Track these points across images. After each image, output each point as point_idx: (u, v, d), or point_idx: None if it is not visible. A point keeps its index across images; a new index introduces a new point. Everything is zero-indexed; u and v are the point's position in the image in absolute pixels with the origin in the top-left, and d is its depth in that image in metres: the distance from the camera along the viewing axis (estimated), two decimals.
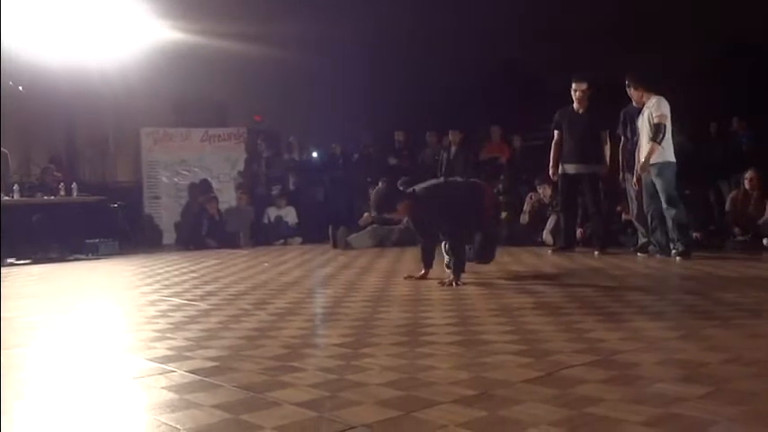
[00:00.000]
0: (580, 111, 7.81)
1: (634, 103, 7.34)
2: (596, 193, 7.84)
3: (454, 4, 14.69)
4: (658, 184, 7.00)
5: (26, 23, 10.73)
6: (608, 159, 7.80)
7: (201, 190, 12.33)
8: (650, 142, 6.93)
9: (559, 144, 7.93)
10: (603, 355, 2.82)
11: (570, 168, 7.84)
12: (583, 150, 7.76)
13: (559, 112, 8.02)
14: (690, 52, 12.88)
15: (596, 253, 7.57)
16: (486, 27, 14.50)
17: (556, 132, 7.99)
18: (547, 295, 4.67)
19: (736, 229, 8.15)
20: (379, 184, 6.21)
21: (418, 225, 5.69)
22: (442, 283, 5.24)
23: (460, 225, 5.47)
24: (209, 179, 12.78)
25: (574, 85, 7.82)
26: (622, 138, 7.77)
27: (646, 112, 7.07)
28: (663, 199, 6.98)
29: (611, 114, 7.85)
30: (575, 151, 7.80)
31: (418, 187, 5.56)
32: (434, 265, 5.72)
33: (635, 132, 7.52)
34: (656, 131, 6.89)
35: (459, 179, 6.47)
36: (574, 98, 7.85)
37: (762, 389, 2.30)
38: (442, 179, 6.74)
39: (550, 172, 8.07)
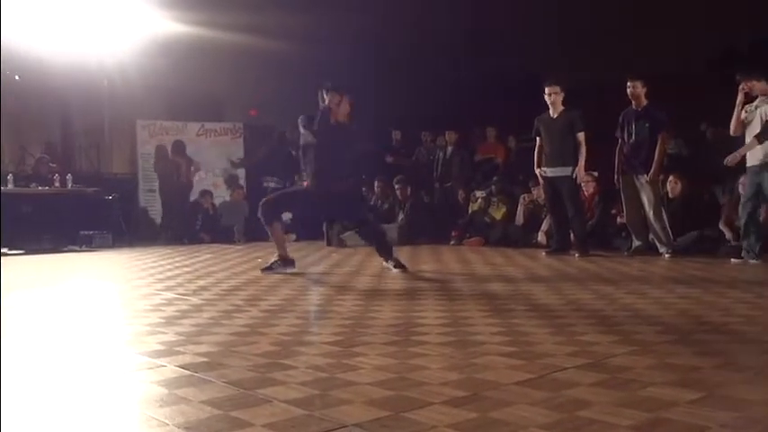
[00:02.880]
0: (554, 115, 7.84)
1: (759, 95, 6.86)
2: (572, 195, 7.85)
3: (451, 2, 14.66)
4: None
5: (23, 12, 10.69)
6: (582, 161, 7.68)
7: None
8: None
9: (541, 149, 8.01)
10: (595, 359, 2.81)
11: (547, 172, 7.93)
12: (557, 154, 7.80)
13: (537, 118, 8.08)
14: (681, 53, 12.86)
15: (576, 256, 7.54)
16: (484, 27, 14.48)
17: (537, 138, 8.06)
18: (539, 297, 4.66)
19: (729, 234, 8.13)
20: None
21: None
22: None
23: None
24: (203, 173, 12.80)
25: (546, 90, 7.82)
26: (620, 140, 7.76)
27: (762, 107, 6.81)
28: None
29: (583, 116, 7.78)
30: (550, 155, 7.88)
31: None
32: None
33: (632, 135, 7.52)
34: None
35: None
36: (547, 102, 7.85)
37: (754, 395, 2.29)
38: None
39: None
